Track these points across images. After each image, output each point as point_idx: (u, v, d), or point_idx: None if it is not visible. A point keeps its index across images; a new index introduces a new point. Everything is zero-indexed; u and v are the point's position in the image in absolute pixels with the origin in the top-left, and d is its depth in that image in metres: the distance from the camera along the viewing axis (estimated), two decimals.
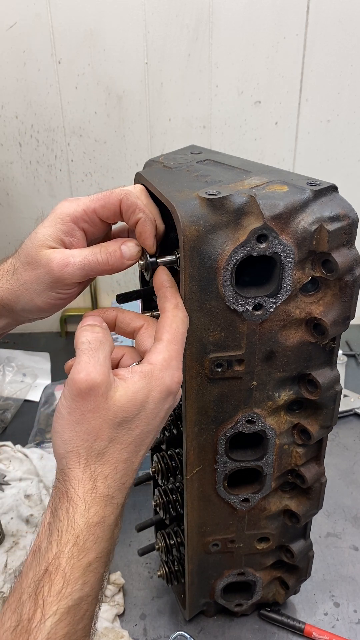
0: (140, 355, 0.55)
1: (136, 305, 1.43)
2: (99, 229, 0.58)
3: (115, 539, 0.50)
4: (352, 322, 0.57)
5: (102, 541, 0.48)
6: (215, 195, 0.51)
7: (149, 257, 0.56)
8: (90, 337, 0.50)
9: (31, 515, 0.90)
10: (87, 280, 0.59)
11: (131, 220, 0.56)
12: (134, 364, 0.54)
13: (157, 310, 0.58)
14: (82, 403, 0.47)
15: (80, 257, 0.55)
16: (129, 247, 0.56)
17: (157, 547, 0.77)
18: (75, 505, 0.47)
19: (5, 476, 0.97)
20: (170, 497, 0.71)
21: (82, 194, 0.58)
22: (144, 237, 0.55)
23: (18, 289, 0.58)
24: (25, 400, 1.23)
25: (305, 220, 0.52)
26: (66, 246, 0.57)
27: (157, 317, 0.59)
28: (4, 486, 0.96)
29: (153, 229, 0.55)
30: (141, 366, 0.51)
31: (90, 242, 0.59)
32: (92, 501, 0.47)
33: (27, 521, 0.89)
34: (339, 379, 0.60)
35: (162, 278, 0.55)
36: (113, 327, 0.57)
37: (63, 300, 0.59)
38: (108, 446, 0.49)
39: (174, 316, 0.53)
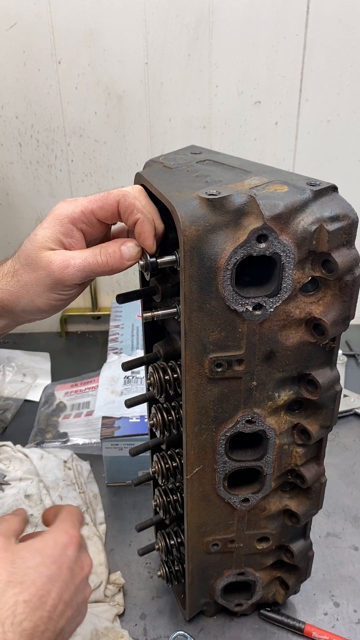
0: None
1: (136, 305, 1.44)
2: (98, 229, 0.58)
3: None
4: (352, 322, 0.57)
5: None
6: (215, 195, 0.51)
7: (149, 257, 0.56)
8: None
9: (31, 515, 0.90)
10: (87, 281, 0.59)
11: (130, 221, 0.56)
12: None
13: (157, 310, 0.59)
14: None
15: (80, 258, 0.56)
16: (128, 248, 0.56)
17: (157, 547, 0.77)
18: None
19: (5, 476, 0.97)
20: (170, 497, 0.71)
21: (82, 194, 0.58)
22: (143, 237, 0.55)
23: (18, 291, 0.59)
24: (25, 400, 1.23)
25: (305, 221, 0.52)
26: (66, 247, 0.57)
27: (158, 317, 0.59)
28: (4, 486, 0.96)
29: (152, 229, 0.55)
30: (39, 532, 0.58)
31: (89, 242, 0.59)
32: None
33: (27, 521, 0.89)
34: (339, 379, 0.60)
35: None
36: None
37: (63, 301, 0.59)
38: (6, 588, 0.50)
39: (69, 507, 0.62)
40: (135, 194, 0.56)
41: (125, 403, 0.68)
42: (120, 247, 0.56)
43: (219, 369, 0.56)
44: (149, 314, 0.59)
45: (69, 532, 0.57)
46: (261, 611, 0.79)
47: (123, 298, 0.59)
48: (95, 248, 0.56)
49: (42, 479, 0.96)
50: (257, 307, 0.54)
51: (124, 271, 0.57)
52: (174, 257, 0.54)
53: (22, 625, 0.48)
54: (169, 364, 0.63)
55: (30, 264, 0.57)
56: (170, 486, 0.72)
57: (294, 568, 0.74)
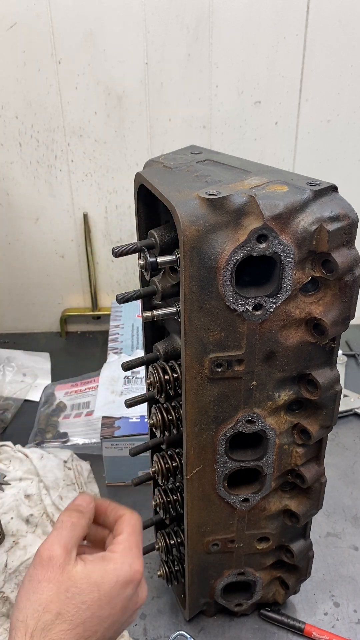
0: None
1: (136, 305, 1.43)
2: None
3: None
4: (352, 322, 0.57)
5: None
6: (215, 195, 0.51)
7: (149, 257, 0.56)
8: (65, 518, 0.54)
9: (31, 515, 0.90)
10: None
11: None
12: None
13: (157, 310, 0.59)
14: (40, 571, 0.49)
15: None
16: None
17: (157, 547, 0.77)
18: None
19: (5, 476, 0.97)
20: (170, 497, 0.71)
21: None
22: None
23: None
24: (25, 400, 1.23)
25: (305, 221, 0.52)
26: None
27: (158, 317, 0.59)
28: (4, 486, 0.96)
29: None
30: (103, 553, 0.53)
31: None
32: None
33: (27, 521, 0.89)
34: (339, 379, 0.60)
35: (99, 501, 0.59)
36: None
37: None
38: (55, 622, 0.47)
39: (131, 516, 0.57)
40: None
41: (125, 403, 0.68)
42: None
43: (219, 369, 0.56)
44: (149, 313, 0.59)
45: (134, 566, 0.52)
46: (261, 611, 0.79)
47: (123, 298, 0.59)
48: None
49: (42, 479, 0.96)
50: (257, 307, 0.54)
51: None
52: (174, 257, 0.54)
53: None
54: (169, 364, 0.63)
55: None
56: (170, 486, 0.72)
57: (294, 568, 0.74)
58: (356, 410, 1.17)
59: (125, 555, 0.52)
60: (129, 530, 0.55)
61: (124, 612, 0.52)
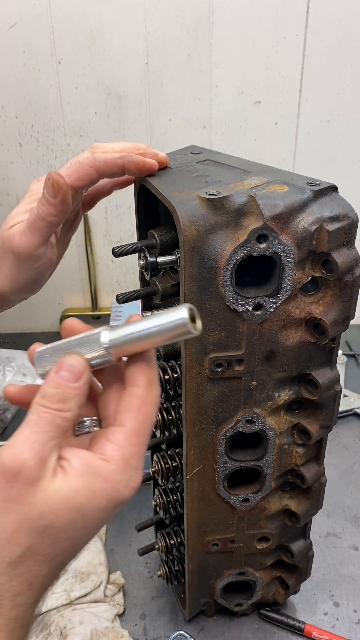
0: (100, 417, 0.43)
1: (136, 305, 1.42)
2: (73, 199, 0.58)
3: None
4: (352, 322, 0.57)
5: None
6: (215, 195, 0.51)
7: (149, 257, 0.56)
8: (52, 393, 0.38)
9: None
10: (62, 238, 0.59)
11: (115, 171, 0.57)
12: (89, 422, 0.42)
13: (157, 310, 0.59)
14: (6, 486, 0.36)
15: (24, 216, 0.55)
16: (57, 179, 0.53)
17: (157, 547, 0.77)
18: None
19: None
20: (170, 497, 0.71)
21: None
22: (143, 161, 0.57)
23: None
24: None
25: (305, 221, 0.52)
26: None
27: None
28: None
29: (138, 156, 0.57)
30: (92, 457, 0.38)
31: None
32: None
33: None
34: (339, 379, 0.60)
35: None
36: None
37: (41, 271, 0.59)
38: (25, 555, 0.36)
39: (146, 397, 0.40)
40: (101, 149, 0.57)
41: None
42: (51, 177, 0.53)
43: (219, 369, 0.56)
44: (149, 314, 0.59)
45: (131, 483, 0.38)
46: (261, 611, 0.79)
47: (123, 298, 0.59)
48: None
49: None
50: (257, 307, 0.54)
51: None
52: (174, 257, 0.54)
53: (35, 597, 0.38)
54: (169, 363, 0.63)
55: (2, 245, 0.57)
56: (170, 486, 0.72)
57: (294, 568, 0.74)
58: (356, 410, 1.17)
59: (123, 468, 0.38)
60: (134, 425, 0.39)
61: (104, 524, 0.43)
